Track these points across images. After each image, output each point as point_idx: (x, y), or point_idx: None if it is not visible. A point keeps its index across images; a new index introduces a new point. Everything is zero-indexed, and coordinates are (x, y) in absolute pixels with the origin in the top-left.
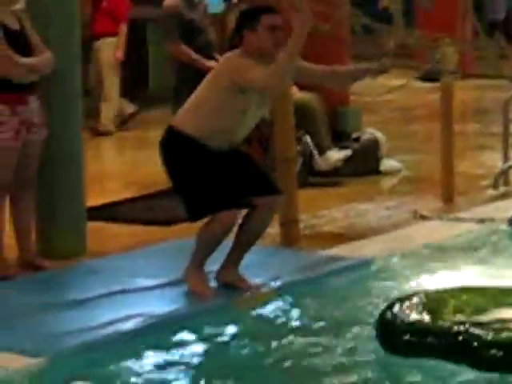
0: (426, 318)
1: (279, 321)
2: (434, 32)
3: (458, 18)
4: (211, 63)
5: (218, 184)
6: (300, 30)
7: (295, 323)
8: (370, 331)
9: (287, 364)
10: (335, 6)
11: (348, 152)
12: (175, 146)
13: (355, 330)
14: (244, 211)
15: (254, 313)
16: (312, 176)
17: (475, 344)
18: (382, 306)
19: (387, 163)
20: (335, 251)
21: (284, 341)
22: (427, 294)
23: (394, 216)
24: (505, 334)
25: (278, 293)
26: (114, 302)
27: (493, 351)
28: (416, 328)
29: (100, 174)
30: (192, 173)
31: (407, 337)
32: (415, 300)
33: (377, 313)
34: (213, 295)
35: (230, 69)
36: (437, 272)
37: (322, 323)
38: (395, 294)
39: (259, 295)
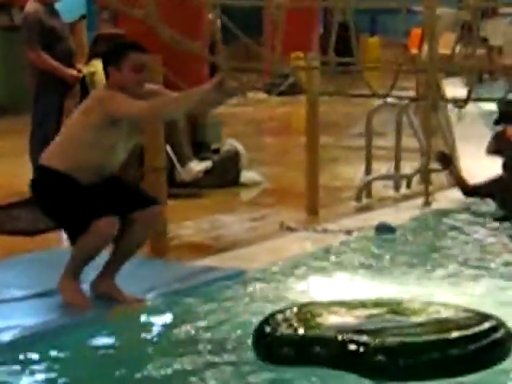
0: (306, 329)
1: (154, 332)
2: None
3: (309, 34)
4: (71, 71)
5: (87, 202)
6: (216, 96)
7: (169, 334)
8: (243, 341)
9: (163, 373)
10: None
11: (209, 163)
12: (45, 183)
13: (230, 340)
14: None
15: (128, 324)
16: (172, 187)
17: (361, 350)
18: (255, 316)
19: (247, 175)
20: (206, 262)
21: (159, 351)
22: (301, 307)
23: (259, 227)
24: (389, 339)
25: (152, 304)
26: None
27: (380, 357)
28: (298, 339)
29: None
30: (63, 203)
31: (288, 349)
32: (291, 313)
33: (251, 322)
34: (88, 306)
35: (102, 102)
36: (308, 283)
37: (195, 333)
38: (268, 304)
39: (134, 307)
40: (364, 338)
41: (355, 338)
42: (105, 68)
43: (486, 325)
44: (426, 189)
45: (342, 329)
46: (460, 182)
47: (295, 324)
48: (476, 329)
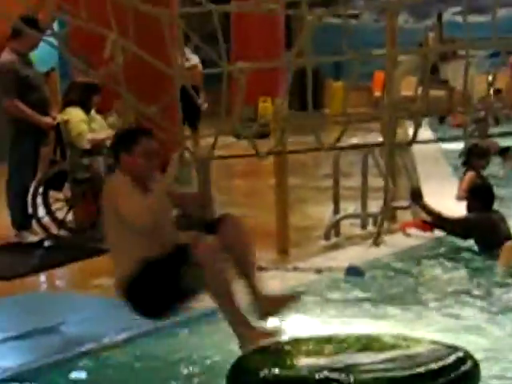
0: (280, 369)
1: (130, 372)
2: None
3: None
4: (46, 119)
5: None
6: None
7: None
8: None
9: None
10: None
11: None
12: (131, 293)
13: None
14: None
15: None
16: None
17: None
18: (229, 353)
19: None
20: None
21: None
22: (275, 346)
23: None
24: (364, 376)
25: (128, 344)
26: None
27: None
28: (273, 379)
29: None
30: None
31: None
32: (266, 352)
33: (224, 359)
34: (273, 332)
35: (112, 198)
36: (279, 317)
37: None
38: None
39: (112, 346)
40: (338, 376)
41: (331, 376)
42: (116, 153)
43: (454, 357)
44: (378, 228)
45: (316, 368)
46: (432, 213)
47: (269, 363)
48: (444, 362)
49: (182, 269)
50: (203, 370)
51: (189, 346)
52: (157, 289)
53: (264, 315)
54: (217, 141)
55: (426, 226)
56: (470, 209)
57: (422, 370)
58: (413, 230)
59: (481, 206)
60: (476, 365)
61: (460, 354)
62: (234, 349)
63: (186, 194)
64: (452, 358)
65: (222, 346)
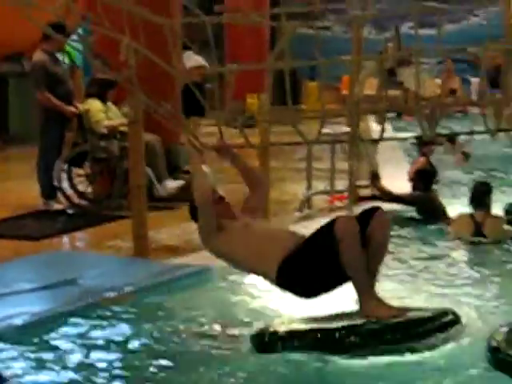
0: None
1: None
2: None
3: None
4: (71, 108)
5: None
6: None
7: (156, 320)
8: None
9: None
10: None
11: (181, 182)
12: (290, 277)
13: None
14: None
15: (118, 312)
16: (152, 201)
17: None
18: (223, 304)
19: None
20: (180, 261)
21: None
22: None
23: None
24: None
25: (133, 297)
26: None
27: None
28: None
29: None
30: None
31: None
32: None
33: (222, 311)
34: (396, 310)
35: None
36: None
37: (180, 321)
38: (230, 294)
39: (122, 297)
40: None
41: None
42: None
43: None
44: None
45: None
46: (385, 192)
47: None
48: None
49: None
50: (209, 321)
51: (184, 294)
52: (313, 267)
53: (365, 316)
54: (221, 130)
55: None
56: (414, 188)
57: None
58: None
59: (422, 186)
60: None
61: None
62: (235, 301)
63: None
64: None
65: (227, 300)
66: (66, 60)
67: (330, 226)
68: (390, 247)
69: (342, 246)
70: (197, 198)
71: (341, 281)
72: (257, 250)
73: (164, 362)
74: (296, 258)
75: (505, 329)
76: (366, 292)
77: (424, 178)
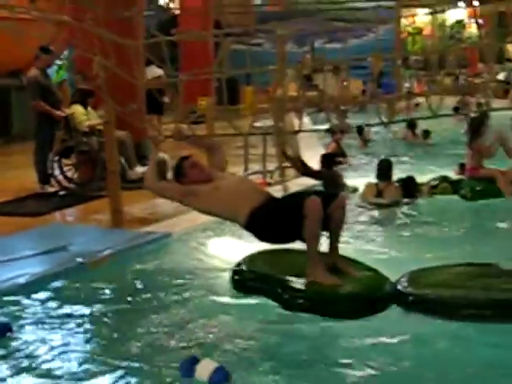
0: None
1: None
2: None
3: (208, 85)
4: (59, 113)
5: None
6: None
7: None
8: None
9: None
10: None
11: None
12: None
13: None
14: None
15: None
16: (124, 183)
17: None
18: (180, 260)
19: (170, 174)
20: (148, 229)
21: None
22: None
23: (180, 206)
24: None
25: (112, 258)
26: (8, 266)
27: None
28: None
29: None
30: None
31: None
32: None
33: (188, 266)
34: (338, 280)
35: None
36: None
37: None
38: (193, 255)
39: (103, 259)
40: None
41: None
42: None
43: None
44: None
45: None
46: (307, 170)
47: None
48: None
49: (296, 214)
50: (171, 272)
51: (153, 254)
52: (277, 225)
53: (328, 267)
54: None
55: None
56: (322, 167)
57: None
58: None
59: (326, 166)
60: None
61: None
62: (183, 256)
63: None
64: None
65: (174, 254)
66: (64, 74)
67: (301, 201)
68: None
69: (307, 220)
70: (144, 183)
71: (296, 239)
72: (228, 204)
73: (141, 303)
74: (264, 210)
75: (407, 275)
76: (314, 258)
77: (328, 159)
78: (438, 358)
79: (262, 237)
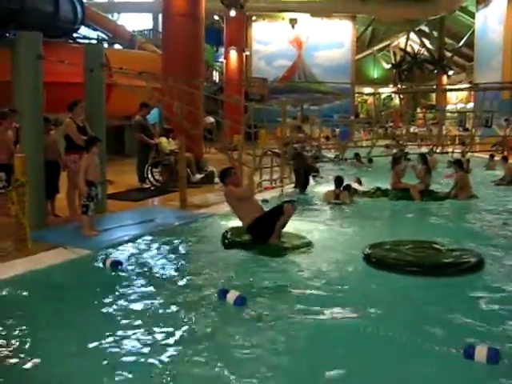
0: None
1: (186, 238)
2: None
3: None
4: (152, 141)
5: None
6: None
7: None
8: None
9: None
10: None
11: (202, 175)
12: (253, 229)
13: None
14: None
15: (173, 234)
16: (188, 183)
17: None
18: (222, 229)
19: (217, 179)
20: (202, 211)
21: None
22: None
23: (221, 198)
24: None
25: (181, 226)
26: (119, 229)
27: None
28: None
29: None
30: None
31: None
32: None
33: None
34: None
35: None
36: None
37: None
38: (227, 227)
39: (174, 227)
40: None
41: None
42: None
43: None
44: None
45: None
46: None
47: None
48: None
49: (279, 215)
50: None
51: (207, 229)
52: (267, 226)
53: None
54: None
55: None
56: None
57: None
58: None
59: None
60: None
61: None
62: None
63: None
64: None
65: (213, 228)
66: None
67: (281, 207)
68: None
69: (284, 216)
70: (246, 191)
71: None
72: (243, 211)
73: (197, 251)
74: (259, 220)
75: (368, 245)
76: (275, 234)
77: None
78: (388, 295)
79: (257, 236)
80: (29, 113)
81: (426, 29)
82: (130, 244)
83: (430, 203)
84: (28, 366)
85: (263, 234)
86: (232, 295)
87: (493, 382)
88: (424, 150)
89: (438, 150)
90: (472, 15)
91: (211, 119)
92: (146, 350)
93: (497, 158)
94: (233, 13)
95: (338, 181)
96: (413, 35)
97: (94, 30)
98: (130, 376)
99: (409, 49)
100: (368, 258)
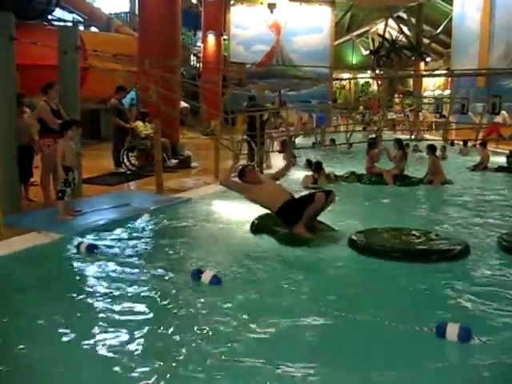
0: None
1: (162, 222)
2: None
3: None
4: (128, 126)
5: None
6: None
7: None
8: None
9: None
10: None
11: (177, 160)
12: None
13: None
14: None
15: (148, 218)
16: (164, 168)
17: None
18: (200, 214)
19: (194, 164)
20: (178, 195)
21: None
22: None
23: (198, 183)
24: None
25: (156, 211)
26: (94, 213)
27: None
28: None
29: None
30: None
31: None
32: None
33: (200, 217)
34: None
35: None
36: (217, 203)
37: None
38: (204, 211)
39: (150, 211)
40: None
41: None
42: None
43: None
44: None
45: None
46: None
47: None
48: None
49: (310, 202)
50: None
51: (184, 212)
52: (296, 211)
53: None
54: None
55: None
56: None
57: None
58: None
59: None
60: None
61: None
62: (203, 212)
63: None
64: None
65: (201, 211)
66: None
67: (313, 195)
68: None
69: (314, 203)
70: (220, 180)
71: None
72: (269, 199)
73: (175, 235)
74: (289, 204)
75: (356, 232)
76: (303, 222)
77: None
78: (373, 279)
79: (286, 220)
80: (0, 96)
81: (405, 15)
82: (105, 228)
83: (402, 188)
84: None
85: (291, 217)
86: (207, 275)
87: (466, 361)
88: (401, 135)
89: (413, 137)
90: (450, 2)
91: (184, 104)
92: (121, 333)
93: (469, 144)
94: None
95: (317, 165)
96: (391, 22)
97: (70, 12)
98: (103, 360)
99: (387, 35)
100: (356, 243)
